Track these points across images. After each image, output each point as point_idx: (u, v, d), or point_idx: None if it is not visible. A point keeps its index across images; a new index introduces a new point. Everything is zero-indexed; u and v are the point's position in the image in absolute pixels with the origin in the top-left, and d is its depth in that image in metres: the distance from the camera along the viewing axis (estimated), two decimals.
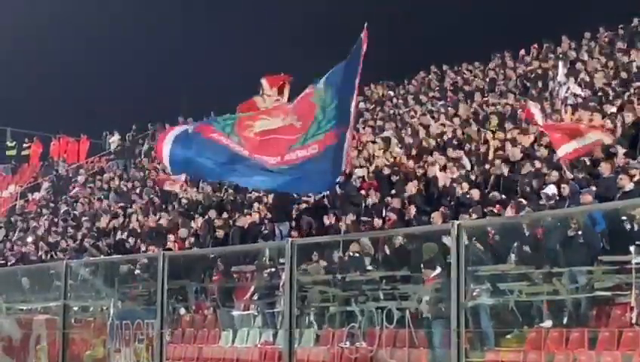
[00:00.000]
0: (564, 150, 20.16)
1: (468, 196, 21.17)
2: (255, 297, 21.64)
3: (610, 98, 25.53)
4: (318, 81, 13.86)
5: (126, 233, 30.92)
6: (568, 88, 27.44)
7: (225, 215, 27.67)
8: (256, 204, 27.68)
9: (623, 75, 27.75)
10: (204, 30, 48.53)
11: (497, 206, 19.85)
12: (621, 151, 20.50)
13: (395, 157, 27.22)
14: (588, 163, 20.57)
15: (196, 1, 49.55)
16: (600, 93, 26.46)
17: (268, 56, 42.90)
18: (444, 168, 23.97)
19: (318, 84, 13.81)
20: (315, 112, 13.53)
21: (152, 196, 35.05)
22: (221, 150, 13.51)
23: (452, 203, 21.31)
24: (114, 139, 47.49)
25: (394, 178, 25.06)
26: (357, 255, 19.54)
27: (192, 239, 27.17)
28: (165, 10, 50.61)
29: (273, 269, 20.22)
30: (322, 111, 13.49)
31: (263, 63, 44.64)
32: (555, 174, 20.14)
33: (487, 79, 33.99)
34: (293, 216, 25.25)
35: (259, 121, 13.82)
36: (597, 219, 16.60)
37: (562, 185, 19.30)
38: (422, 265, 16.57)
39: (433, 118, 30.80)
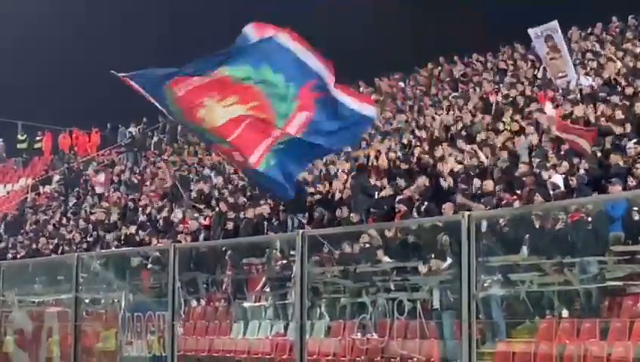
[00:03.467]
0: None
1: (479, 187, 21.15)
2: (266, 289, 21.67)
3: (621, 89, 25.47)
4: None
5: (136, 225, 30.96)
6: (578, 78, 27.37)
7: (235, 206, 27.69)
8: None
9: (633, 65, 27.67)
10: (213, 25, 48.53)
11: (508, 196, 19.83)
12: (632, 141, 20.50)
13: (405, 149, 27.21)
14: (599, 154, 20.55)
15: None
16: (611, 84, 26.39)
17: None
18: (454, 159, 23.95)
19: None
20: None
21: (163, 188, 35.09)
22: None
23: (463, 193, 21.29)
24: (124, 131, 47.47)
25: (404, 168, 25.06)
26: (367, 246, 19.54)
27: (203, 231, 27.19)
28: (172, 5, 50.64)
29: (285, 261, 20.24)
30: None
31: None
32: (565, 165, 20.14)
33: (497, 70, 33.90)
34: (307, 207, 25.22)
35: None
36: (616, 210, 16.60)
37: (570, 177, 19.33)
38: (432, 256, 16.58)
39: (443, 108, 30.78)
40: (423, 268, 16.71)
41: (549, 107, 23.53)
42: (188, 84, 12.91)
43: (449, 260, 16.57)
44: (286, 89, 12.70)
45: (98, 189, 38.71)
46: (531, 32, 27.86)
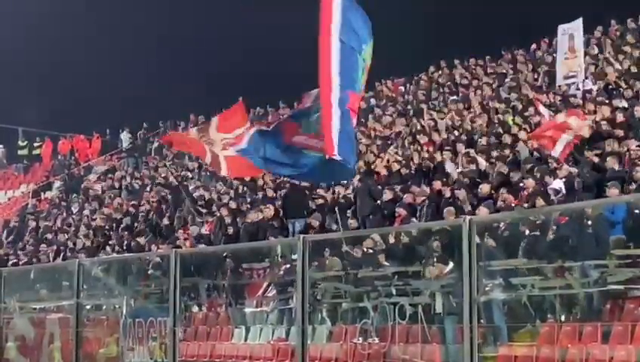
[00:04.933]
0: (559, 149, 20.32)
1: (479, 191, 21.16)
2: (267, 294, 21.66)
3: (621, 92, 25.49)
4: None
5: (138, 231, 30.96)
6: (576, 82, 27.36)
7: (236, 212, 27.69)
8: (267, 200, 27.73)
9: (633, 69, 27.69)
10: (215, 26, 48.56)
11: (508, 200, 19.84)
12: (634, 144, 20.51)
13: (405, 153, 27.23)
14: (597, 160, 20.54)
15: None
16: (610, 87, 26.42)
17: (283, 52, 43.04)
18: (455, 163, 23.98)
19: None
20: None
21: (163, 194, 35.08)
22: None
23: (464, 197, 21.29)
24: (125, 137, 47.53)
25: (404, 172, 25.08)
26: (371, 251, 19.52)
27: (204, 237, 27.19)
28: (176, 8, 50.66)
29: (288, 266, 20.22)
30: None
31: (278, 59, 44.97)
32: (565, 168, 20.15)
33: (498, 74, 33.93)
34: (311, 212, 25.20)
35: None
36: (616, 214, 16.59)
37: (573, 181, 19.34)
38: (435, 261, 16.57)
39: (444, 113, 30.80)
40: (428, 273, 16.69)
41: (544, 111, 23.50)
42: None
43: (451, 264, 16.56)
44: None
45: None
46: (560, 28, 27.72)
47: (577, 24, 27.21)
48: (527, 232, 17.10)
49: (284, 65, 43.15)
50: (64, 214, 39.79)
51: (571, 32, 27.21)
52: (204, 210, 30.04)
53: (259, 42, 47.23)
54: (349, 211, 23.93)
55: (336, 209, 23.16)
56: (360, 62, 12.17)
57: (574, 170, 19.88)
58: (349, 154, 11.95)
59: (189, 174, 37.18)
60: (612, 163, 19.58)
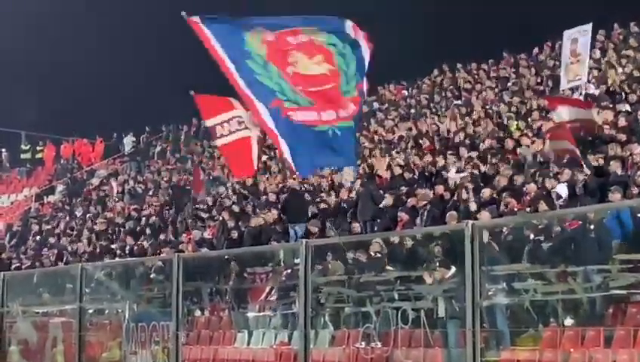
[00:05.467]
0: (561, 114, 20.49)
1: (481, 195, 21.15)
2: (270, 298, 21.66)
3: (624, 96, 25.49)
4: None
5: (140, 234, 30.99)
6: (579, 86, 27.31)
7: (239, 216, 27.70)
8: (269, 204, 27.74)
9: (636, 73, 27.68)
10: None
11: (511, 204, 19.82)
12: (637, 148, 20.51)
13: (408, 157, 27.23)
14: (601, 163, 20.55)
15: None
16: (613, 91, 26.41)
17: None
18: (457, 167, 23.97)
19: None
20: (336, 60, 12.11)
21: (166, 198, 35.12)
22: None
23: (466, 203, 21.28)
24: (128, 140, 47.57)
25: (407, 176, 25.08)
26: (379, 255, 19.51)
27: (206, 241, 27.20)
28: (176, 11, 50.59)
29: (289, 271, 20.22)
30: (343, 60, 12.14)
31: None
32: (567, 172, 20.13)
33: (500, 78, 33.94)
34: (311, 217, 25.22)
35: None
36: (623, 219, 16.57)
37: (576, 186, 19.33)
38: (437, 265, 16.56)
39: (446, 117, 30.79)
40: (428, 278, 16.69)
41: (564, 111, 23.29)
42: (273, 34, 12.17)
43: (453, 268, 16.54)
44: (353, 76, 12.16)
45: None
46: (566, 33, 27.67)
47: (586, 28, 27.14)
48: (531, 236, 17.10)
49: None
50: (67, 218, 39.82)
51: (575, 37, 27.15)
52: (206, 215, 30.06)
53: None
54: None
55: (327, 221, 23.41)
56: (255, 68, 11.84)
57: (581, 176, 19.76)
58: (304, 156, 11.80)
59: (192, 178, 37.16)
60: (615, 167, 19.57)
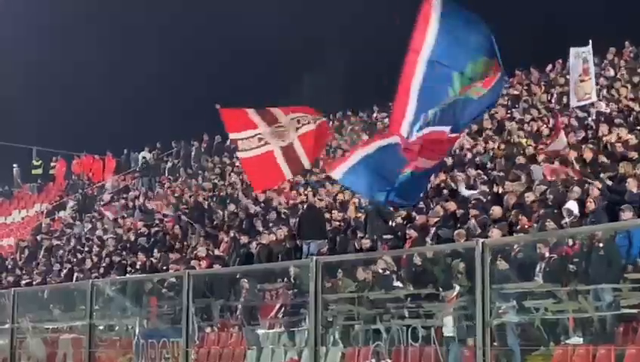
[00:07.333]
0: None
1: (491, 213, 21.10)
2: (280, 315, 21.65)
3: (635, 113, 25.45)
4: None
5: (151, 251, 30.98)
6: (592, 104, 27.29)
7: (250, 232, 27.69)
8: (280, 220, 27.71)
9: None
10: (229, 47, 48.68)
11: (522, 222, 19.77)
12: None
13: None
14: (612, 181, 20.50)
15: (221, 18, 49.62)
16: (625, 109, 26.38)
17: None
18: (468, 185, 23.92)
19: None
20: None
21: (177, 214, 35.11)
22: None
23: (476, 220, 21.23)
24: (139, 156, 47.57)
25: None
26: (387, 272, 19.49)
27: (219, 257, 27.18)
28: (188, 28, 50.81)
29: (297, 290, 20.22)
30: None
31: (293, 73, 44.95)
32: (577, 190, 20.07)
33: (512, 95, 33.88)
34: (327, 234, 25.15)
35: None
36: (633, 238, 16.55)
37: (587, 202, 19.27)
38: (440, 289, 16.58)
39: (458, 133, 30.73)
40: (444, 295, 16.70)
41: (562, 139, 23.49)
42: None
43: (457, 288, 16.56)
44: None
45: (109, 216, 38.74)
46: (572, 51, 27.66)
47: (587, 47, 27.19)
48: (547, 254, 17.07)
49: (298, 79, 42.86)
50: (77, 234, 39.86)
51: (584, 55, 27.17)
52: (218, 231, 30.04)
53: (272, 59, 47.38)
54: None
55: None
56: (452, 89, 11.51)
57: (595, 192, 19.68)
58: (362, 186, 11.70)
59: (204, 193, 37.17)
60: (633, 185, 19.42)
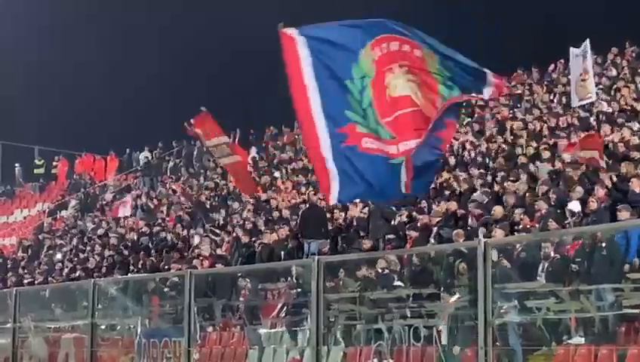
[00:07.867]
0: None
1: (493, 213, 21.08)
2: (282, 315, 21.65)
3: (637, 113, 25.45)
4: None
5: (152, 250, 31.00)
6: (593, 104, 27.25)
7: (252, 232, 27.69)
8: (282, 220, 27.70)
9: None
10: (229, 47, 48.67)
11: (524, 221, 19.76)
12: None
13: None
14: (614, 179, 20.49)
15: (221, 18, 49.59)
16: (627, 109, 26.37)
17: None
18: (469, 184, 23.92)
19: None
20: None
21: (179, 213, 35.13)
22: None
23: (477, 220, 21.23)
24: (141, 156, 47.57)
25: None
26: (386, 271, 19.48)
27: (221, 257, 27.18)
28: (188, 28, 50.81)
29: (299, 290, 20.21)
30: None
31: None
32: (579, 190, 20.05)
33: (514, 95, 33.88)
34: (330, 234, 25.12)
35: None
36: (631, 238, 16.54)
37: (589, 200, 19.25)
38: (441, 288, 16.58)
39: (459, 132, 30.75)
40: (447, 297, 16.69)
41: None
42: (386, 46, 11.54)
43: (457, 295, 16.55)
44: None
45: (123, 212, 38.56)
46: (572, 51, 27.55)
47: (585, 46, 27.07)
48: (552, 254, 17.06)
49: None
50: (79, 233, 39.86)
51: (583, 55, 27.10)
52: (219, 231, 30.04)
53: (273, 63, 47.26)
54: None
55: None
56: (352, 88, 11.21)
57: (600, 192, 19.64)
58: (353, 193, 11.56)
59: (206, 193, 37.19)
60: (636, 185, 19.37)
